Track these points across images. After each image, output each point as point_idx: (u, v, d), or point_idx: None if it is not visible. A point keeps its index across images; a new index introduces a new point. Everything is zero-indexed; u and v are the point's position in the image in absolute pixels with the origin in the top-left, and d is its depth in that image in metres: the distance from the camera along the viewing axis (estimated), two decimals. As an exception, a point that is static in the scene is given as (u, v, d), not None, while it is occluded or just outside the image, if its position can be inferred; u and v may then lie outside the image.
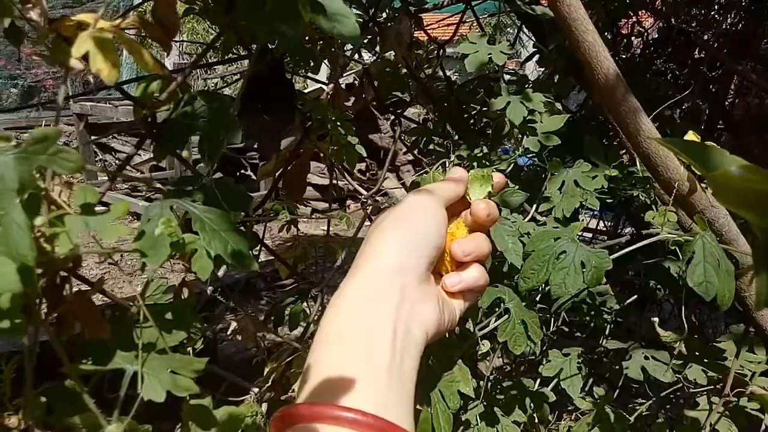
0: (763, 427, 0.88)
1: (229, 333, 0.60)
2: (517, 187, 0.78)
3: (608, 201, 0.95)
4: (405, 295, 0.38)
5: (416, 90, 1.02)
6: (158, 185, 0.52)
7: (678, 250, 0.82)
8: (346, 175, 0.73)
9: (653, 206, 0.91)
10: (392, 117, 1.04)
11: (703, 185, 0.78)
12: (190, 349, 0.58)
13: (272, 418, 0.35)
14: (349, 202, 6.36)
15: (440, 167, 0.90)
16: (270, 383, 0.62)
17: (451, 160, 0.91)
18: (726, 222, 0.78)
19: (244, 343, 0.68)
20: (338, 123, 0.62)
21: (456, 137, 0.99)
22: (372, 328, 0.37)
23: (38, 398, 0.45)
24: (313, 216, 5.87)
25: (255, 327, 0.61)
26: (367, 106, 1.15)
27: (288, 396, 0.62)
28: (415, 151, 1.09)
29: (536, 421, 1.19)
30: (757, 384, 1.04)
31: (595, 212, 2.21)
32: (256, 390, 0.62)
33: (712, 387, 1.05)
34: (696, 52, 1.69)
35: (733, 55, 1.76)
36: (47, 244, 0.41)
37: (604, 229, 2.07)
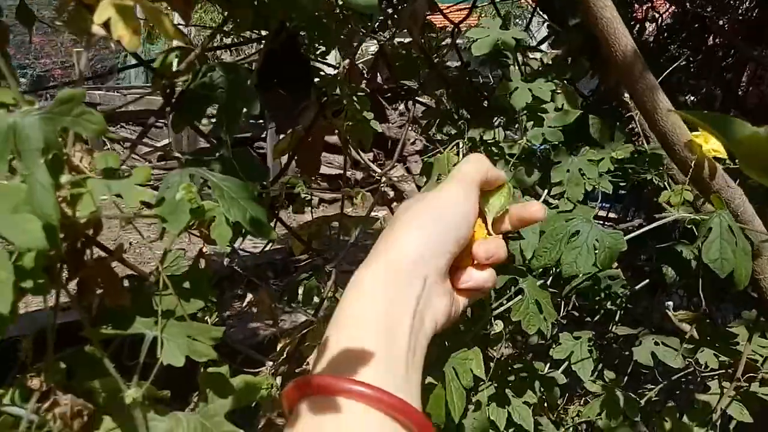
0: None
1: (244, 305, 0.60)
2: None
3: (621, 184, 0.94)
4: (425, 288, 0.38)
5: (429, 74, 1.02)
6: (177, 154, 0.52)
7: (695, 230, 0.82)
8: (361, 153, 0.73)
9: (667, 189, 0.91)
10: (404, 102, 1.03)
11: (718, 164, 0.78)
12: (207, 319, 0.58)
13: (286, 388, 0.35)
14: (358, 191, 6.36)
15: (454, 147, 0.89)
16: (284, 357, 0.62)
17: (465, 140, 0.91)
18: (742, 203, 0.78)
19: (252, 329, 0.69)
20: (354, 98, 0.62)
21: (468, 119, 0.98)
22: (393, 317, 0.37)
23: (58, 363, 0.46)
24: (320, 206, 5.88)
25: (271, 300, 0.61)
26: (375, 96, 1.15)
27: (302, 369, 0.62)
28: (424, 138, 1.09)
29: (545, 404, 1.19)
30: (768, 369, 1.04)
31: (603, 204, 2.20)
32: (271, 363, 0.63)
33: (723, 371, 1.05)
34: (710, 38, 1.68)
35: (748, 42, 1.74)
36: (69, 208, 0.42)
37: (615, 217, 2.06)
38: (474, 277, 0.42)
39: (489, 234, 0.43)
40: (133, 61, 0.63)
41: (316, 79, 0.67)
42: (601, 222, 1.89)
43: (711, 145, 0.71)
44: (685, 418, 1.04)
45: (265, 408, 0.60)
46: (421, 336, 0.38)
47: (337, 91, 0.62)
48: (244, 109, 0.53)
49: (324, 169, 6.00)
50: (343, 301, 0.39)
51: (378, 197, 0.72)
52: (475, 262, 0.42)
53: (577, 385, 1.23)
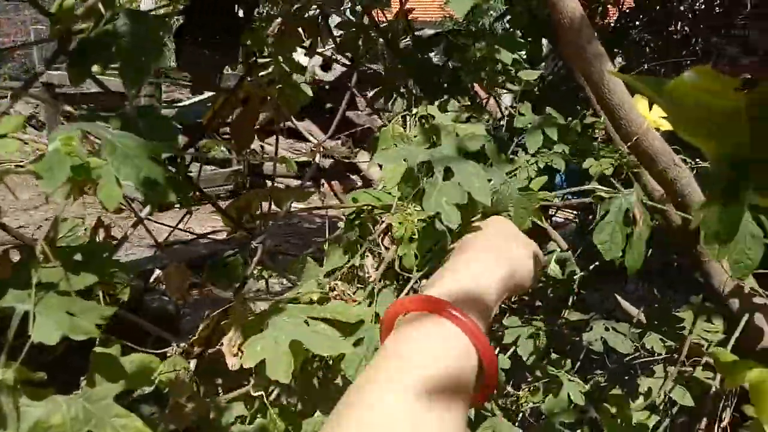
0: (713, 388, 0.87)
1: (152, 281, 0.55)
2: (478, 129, 0.74)
3: (574, 161, 0.92)
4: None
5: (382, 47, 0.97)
6: (68, 108, 0.46)
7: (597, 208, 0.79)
8: (296, 123, 0.68)
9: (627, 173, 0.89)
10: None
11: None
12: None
13: (388, 307, 0.45)
14: (323, 180, 6.28)
15: (398, 119, 0.85)
16: (199, 338, 0.57)
17: (414, 113, 0.87)
18: (689, 183, 0.76)
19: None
20: (282, 60, 0.57)
21: (418, 95, 0.94)
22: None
23: None
24: (286, 189, 5.79)
25: (182, 276, 0.56)
26: (344, 83, 1.10)
27: (213, 352, 0.58)
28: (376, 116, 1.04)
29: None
30: (713, 353, 1.04)
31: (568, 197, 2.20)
32: (183, 344, 0.58)
33: (668, 356, 1.04)
34: (673, 24, 1.67)
35: (710, 30, 1.74)
36: None
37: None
38: None
39: None
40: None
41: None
42: (555, 206, 1.89)
43: (656, 114, 0.69)
44: (629, 403, 1.03)
45: (174, 390, 0.55)
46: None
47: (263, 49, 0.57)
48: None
49: (289, 156, 5.90)
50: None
51: (312, 170, 0.68)
52: None
53: (527, 371, 1.22)
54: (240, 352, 0.56)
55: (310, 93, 0.61)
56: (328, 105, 5.83)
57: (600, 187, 0.72)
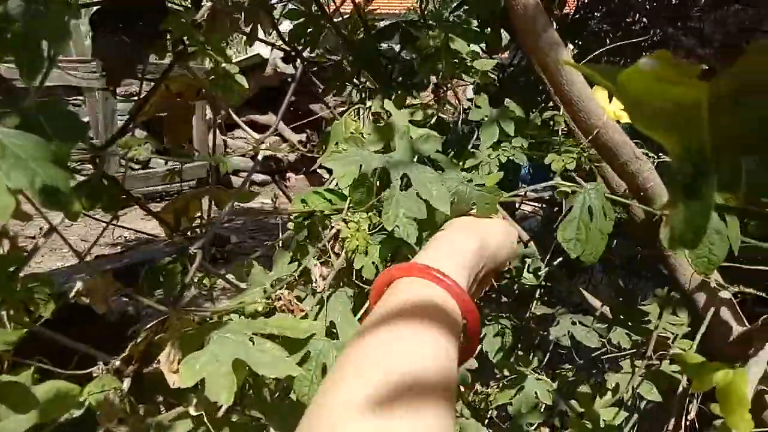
0: (680, 388, 0.85)
1: (71, 295, 0.50)
2: (433, 132, 0.71)
3: (534, 157, 0.89)
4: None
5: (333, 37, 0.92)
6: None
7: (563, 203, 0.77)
8: (235, 116, 0.63)
9: (590, 169, 0.86)
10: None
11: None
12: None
13: (378, 276, 0.50)
14: (289, 174, 6.19)
15: (351, 113, 0.81)
16: (130, 354, 0.52)
17: (368, 106, 0.82)
18: (651, 176, 0.73)
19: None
20: (208, 48, 0.52)
21: (371, 88, 0.90)
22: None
23: None
24: (250, 188, 5.69)
25: (106, 287, 0.51)
26: (307, 74, 1.05)
27: (154, 368, 0.52)
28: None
29: (460, 389, 1.15)
30: (678, 346, 1.03)
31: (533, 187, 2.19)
32: (109, 363, 0.53)
33: (635, 350, 1.03)
34: (631, 15, 1.67)
35: (668, 21, 1.74)
36: None
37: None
38: None
39: None
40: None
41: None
42: (520, 200, 1.87)
43: (616, 106, 0.66)
44: (596, 400, 1.01)
45: (103, 415, 0.50)
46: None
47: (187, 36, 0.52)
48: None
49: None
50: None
51: (254, 167, 0.63)
52: None
53: (495, 369, 1.19)
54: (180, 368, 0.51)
55: (245, 84, 0.56)
56: (293, 98, 5.75)
57: (563, 182, 0.69)
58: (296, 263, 0.65)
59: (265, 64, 5.77)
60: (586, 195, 0.64)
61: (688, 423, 0.93)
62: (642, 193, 0.75)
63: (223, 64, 0.54)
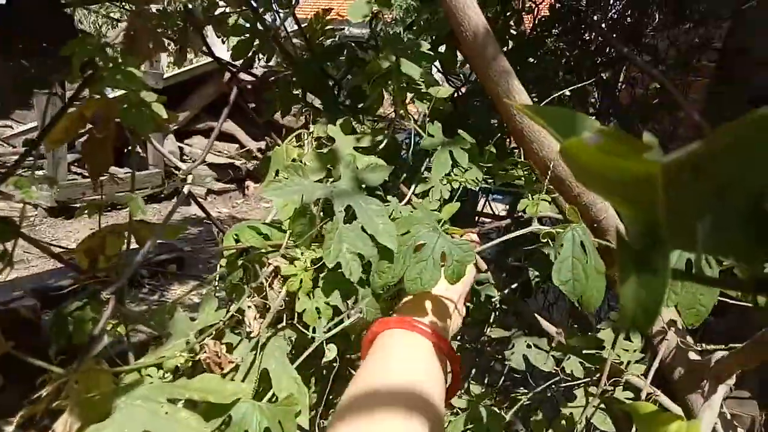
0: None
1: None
2: (380, 161, 0.66)
3: (488, 182, 0.86)
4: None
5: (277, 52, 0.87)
6: None
7: (550, 242, 0.75)
8: (156, 144, 0.57)
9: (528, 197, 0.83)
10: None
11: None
12: None
13: (370, 327, 0.58)
14: (248, 183, 6.06)
15: (294, 139, 0.76)
16: (24, 420, 0.46)
17: (311, 132, 0.77)
18: (604, 208, 0.71)
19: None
20: (117, 73, 0.46)
21: (317, 108, 0.85)
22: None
23: None
24: (208, 197, 5.53)
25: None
26: (269, 83, 0.99)
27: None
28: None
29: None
30: (632, 372, 1.02)
31: (495, 197, 2.18)
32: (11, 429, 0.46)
33: (588, 379, 1.01)
34: (586, 34, 1.67)
35: (623, 41, 1.76)
36: None
37: (504, 213, 2.04)
38: None
39: None
40: None
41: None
42: (478, 218, 1.85)
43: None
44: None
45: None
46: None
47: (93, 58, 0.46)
48: None
49: (212, 158, 5.65)
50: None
51: (181, 199, 0.57)
52: None
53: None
54: (79, 441, 0.45)
55: (164, 114, 0.50)
56: (252, 105, 5.63)
57: (541, 227, 0.65)
58: (224, 309, 0.59)
59: (225, 70, 5.63)
60: (574, 232, 0.61)
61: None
62: (595, 225, 0.72)
63: (142, 93, 0.48)
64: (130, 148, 5.52)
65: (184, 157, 5.83)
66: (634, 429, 0.82)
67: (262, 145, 5.69)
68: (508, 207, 2.13)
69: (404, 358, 0.53)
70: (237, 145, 5.85)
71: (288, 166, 0.60)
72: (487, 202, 2.15)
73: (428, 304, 0.61)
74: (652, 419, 0.52)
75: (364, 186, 0.64)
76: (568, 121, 0.27)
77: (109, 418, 0.44)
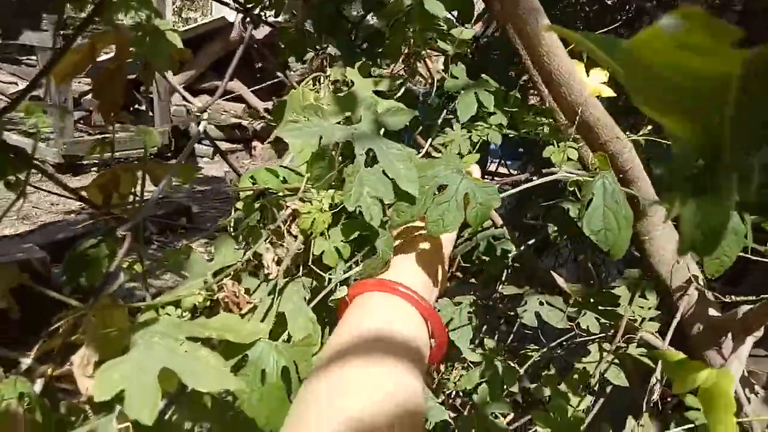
0: (654, 380, 0.83)
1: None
2: (401, 105, 0.64)
3: (510, 136, 0.83)
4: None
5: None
6: None
7: (577, 192, 0.73)
8: (170, 79, 0.55)
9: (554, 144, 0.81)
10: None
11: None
12: None
13: (349, 288, 0.55)
14: (255, 143, 6.02)
15: (311, 82, 0.73)
16: (45, 352, 0.45)
17: (327, 75, 0.75)
18: (631, 157, 0.69)
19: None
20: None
21: (333, 55, 0.82)
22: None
23: None
24: (215, 157, 5.50)
25: (6, 278, 0.43)
26: (276, 41, 0.96)
27: (65, 370, 0.45)
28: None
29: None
30: (646, 330, 1.01)
31: (503, 161, 2.14)
32: (28, 361, 0.46)
33: (603, 335, 1.01)
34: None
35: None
36: None
37: (507, 173, 2.01)
38: None
39: None
40: None
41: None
42: (490, 176, 1.83)
43: (595, 79, 0.61)
44: (562, 386, 0.99)
45: (4, 429, 0.43)
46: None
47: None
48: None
49: (221, 118, 5.60)
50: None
51: (195, 137, 0.55)
52: None
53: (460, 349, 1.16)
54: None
55: (178, 43, 0.48)
56: (258, 64, 5.53)
57: (572, 172, 0.63)
58: (242, 250, 0.58)
59: (231, 28, 5.53)
60: (605, 180, 0.58)
61: (652, 404, 0.91)
62: (621, 175, 0.70)
63: (155, 20, 0.46)
64: (136, 106, 5.45)
65: (191, 116, 5.78)
66: (652, 381, 0.82)
67: (269, 105, 5.62)
68: (518, 170, 2.10)
69: (384, 320, 0.49)
70: (244, 105, 5.79)
71: (306, 107, 0.58)
72: (498, 167, 2.12)
73: (410, 266, 0.57)
74: (681, 367, 0.51)
75: (383, 131, 0.62)
76: (614, 44, 0.25)
77: (127, 354, 0.43)
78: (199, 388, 0.42)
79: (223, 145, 5.62)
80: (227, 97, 5.65)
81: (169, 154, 5.52)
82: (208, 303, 0.52)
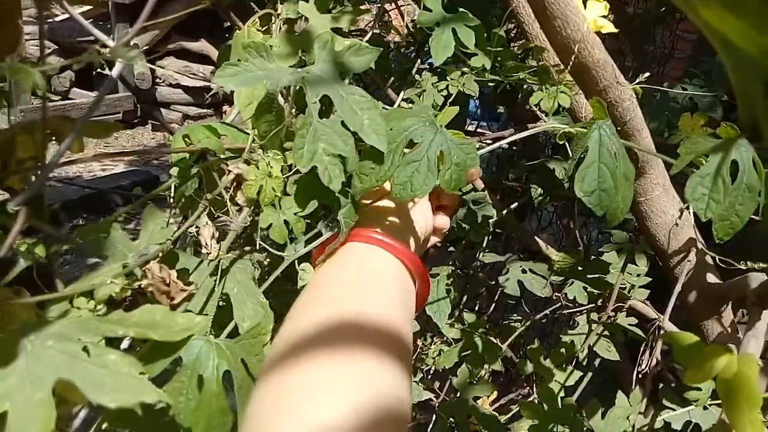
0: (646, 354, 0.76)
1: None
2: (364, 43, 0.53)
3: (491, 84, 0.74)
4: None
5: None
6: None
7: (567, 147, 0.64)
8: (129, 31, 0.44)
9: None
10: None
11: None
12: None
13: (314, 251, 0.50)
14: (225, 107, 5.79)
15: (258, 21, 0.62)
16: None
17: (278, 13, 0.63)
18: (632, 106, 0.60)
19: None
20: None
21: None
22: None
23: None
24: (185, 122, 5.28)
25: None
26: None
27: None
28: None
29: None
30: (636, 297, 0.95)
31: (481, 124, 2.05)
32: None
33: (592, 306, 0.94)
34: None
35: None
36: None
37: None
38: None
39: None
40: None
41: None
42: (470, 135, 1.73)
43: (593, 12, 0.51)
44: (548, 360, 0.92)
45: None
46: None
47: None
48: None
49: (186, 81, 5.36)
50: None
51: (108, 84, 0.44)
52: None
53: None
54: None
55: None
56: (227, 24, 5.26)
57: (559, 126, 0.53)
58: (175, 227, 0.48)
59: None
60: (601, 131, 0.49)
61: (641, 373, 0.86)
62: (619, 128, 0.61)
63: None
64: (98, 70, 5.19)
65: (157, 80, 5.54)
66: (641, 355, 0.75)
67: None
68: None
69: (367, 276, 0.45)
70: (212, 67, 5.54)
71: (247, 46, 0.47)
72: (477, 129, 2.03)
73: (395, 214, 0.52)
74: (696, 352, 0.43)
75: (344, 75, 0.52)
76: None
77: (12, 365, 0.34)
78: (105, 404, 0.33)
79: (192, 110, 5.41)
80: (194, 58, 5.41)
81: (136, 121, 5.29)
82: (128, 293, 0.42)
